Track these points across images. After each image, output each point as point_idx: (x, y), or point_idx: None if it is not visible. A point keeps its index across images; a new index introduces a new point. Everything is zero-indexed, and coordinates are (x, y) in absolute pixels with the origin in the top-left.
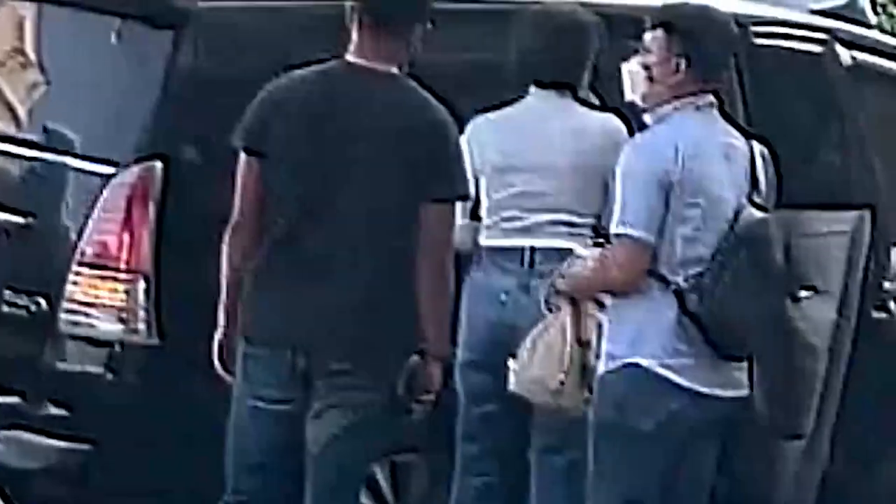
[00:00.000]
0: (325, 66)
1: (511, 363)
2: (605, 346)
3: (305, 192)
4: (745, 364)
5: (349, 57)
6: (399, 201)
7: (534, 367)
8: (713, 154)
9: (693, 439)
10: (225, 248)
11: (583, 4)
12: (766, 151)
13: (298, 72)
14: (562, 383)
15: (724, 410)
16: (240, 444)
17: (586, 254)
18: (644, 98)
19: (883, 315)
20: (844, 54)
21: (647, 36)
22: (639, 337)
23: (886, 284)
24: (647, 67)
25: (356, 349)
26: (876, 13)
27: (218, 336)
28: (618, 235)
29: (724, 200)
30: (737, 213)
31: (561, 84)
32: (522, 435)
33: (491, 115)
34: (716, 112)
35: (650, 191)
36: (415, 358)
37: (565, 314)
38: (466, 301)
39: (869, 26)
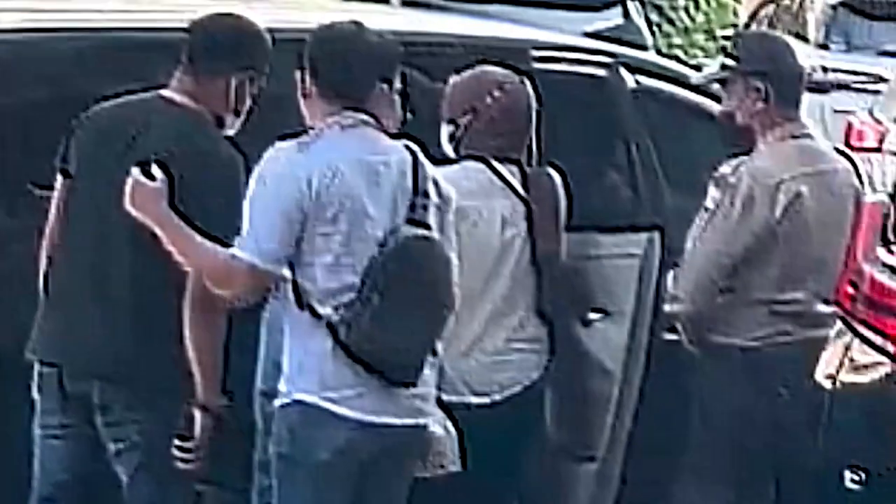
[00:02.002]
0: (141, 97)
1: None
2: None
3: (79, 212)
4: (425, 390)
5: (164, 91)
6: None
7: None
8: (355, 175)
9: (370, 470)
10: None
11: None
12: (555, 175)
13: (120, 99)
14: None
15: (401, 439)
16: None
17: None
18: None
19: (674, 337)
20: (628, 78)
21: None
22: (299, 372)
23: (666, 307)
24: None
25: (117, 376)
26: (651, 33)
27: None
28: (234, 257)
29: (371, 223)
30: (392, 234)
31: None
32: None
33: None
34: (367, 129)
35: (281, 219)
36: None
37: None
38: (264, 329)
39: (645, 47)
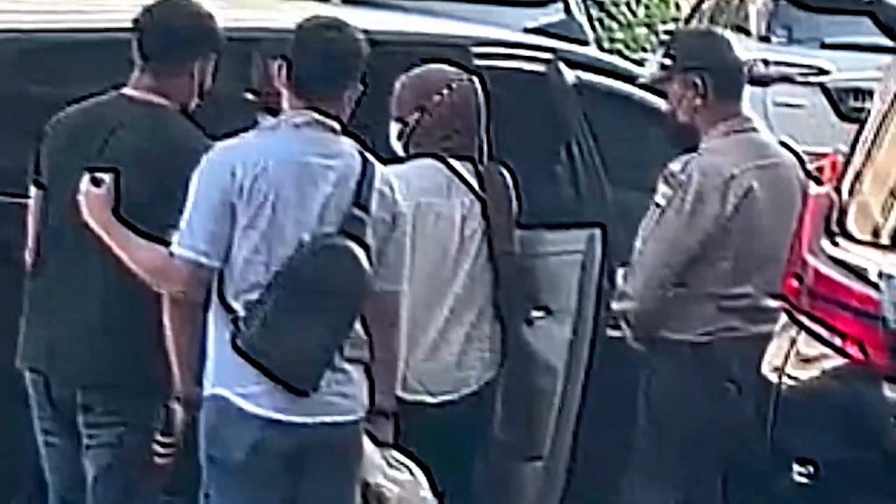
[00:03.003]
0: (101, 98)
1: None
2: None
3: (55, 221)
4: (341, 387)
5: (126, 90)
6: (146, 226)
7: None
8: (286, 174)
9: (301, 470)
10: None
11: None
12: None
13: (80, 104)
14: None
15: (319, 437)
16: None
17: None
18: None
19: (616, 333)
20: (568, 73)
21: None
22: (217, 366)
23: (614, 305)
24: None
25: (96, 382)
26: (593, 28)
27: None
28: (171, 253)
29: (295, 224)
30: (313, 239)
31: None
32: None
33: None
34: (320, 130)
35: (215, 211)
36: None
37: None
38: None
39: (586, 43)
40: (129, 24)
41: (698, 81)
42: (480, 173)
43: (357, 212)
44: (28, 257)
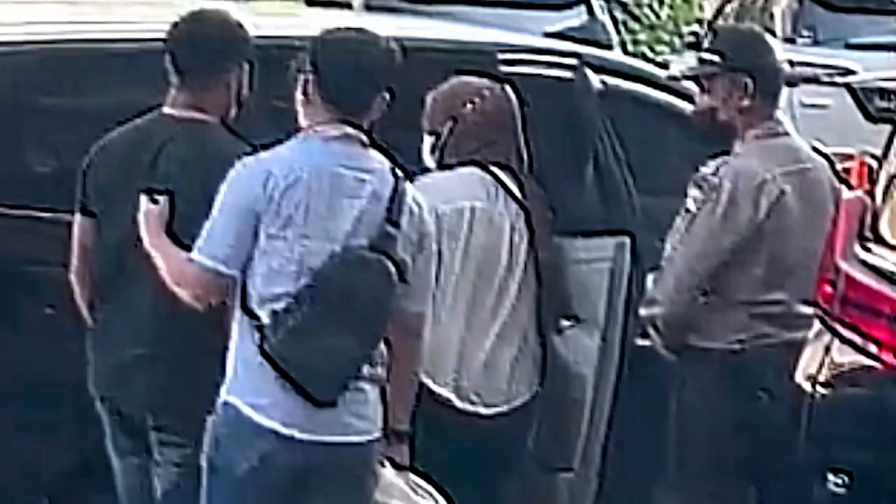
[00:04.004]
0: (142, 119)
1: None
2: None
3: (112, 242)
4: (358, 407)
5: (165, 108)
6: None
7: None
8: (319, 185)
9: (308, 487)
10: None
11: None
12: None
13: (122, 128)
14: None
15: (329, 457)
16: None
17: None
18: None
19: (645, 342)
20: (593, 78)
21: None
22: (234, 374)
23: (642, 310)
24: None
25: (163, 405)
26: (616, 30)
27: None
28: (191, 260)
29: (326, 236)
30: (344, 250)
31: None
32: None
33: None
34: (355, 145)
35: (238, 219)
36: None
37: None
38: None
39: (610, 45)
40: (148, 35)
41: (748, 81)
42: (521, 182)
43: (389, 228)
44: (73, 278)
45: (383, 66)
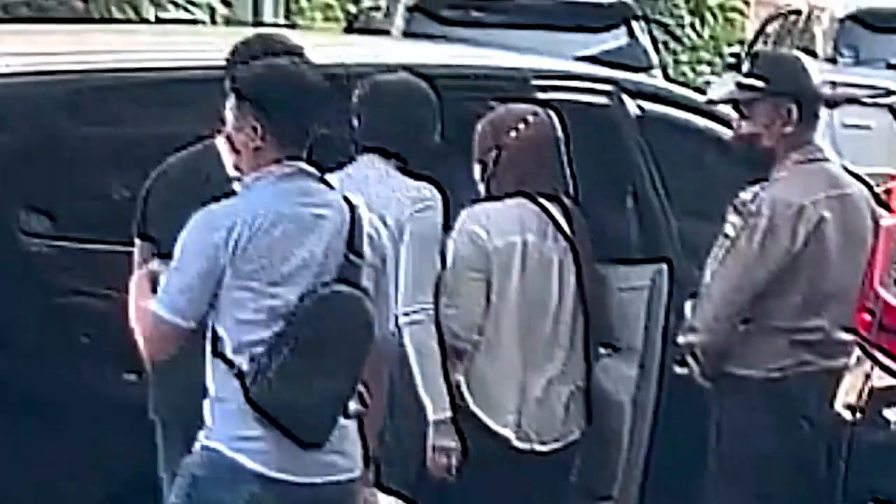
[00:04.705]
0: (202, 145)
1: None
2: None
3: None
4: (342, 444)
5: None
6: None
7: None
8: (284, 227)
9: None
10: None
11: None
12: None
13: (178, 155)
14: None
15: (313, 497)
16: None
17: None
18: (236, 168)
19: (683, 370)
20: (631, 104)
21: (227, 104)
22: (214, 419)
23: (681, 338)
24: (228, 137)
25: None
26: (657, 51)
27: None
28: (148, 311)
29: (296, 276)
30: (316, 288)
31: (383, 150)
32: None
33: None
34: (307, 180)
35: (200, 271)
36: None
37: None
38: None
39: (651, 67)
40: (180, 64)
41: (792, 107)
42: (569, 215)
43: (353, 258)
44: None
45: (323, 91)
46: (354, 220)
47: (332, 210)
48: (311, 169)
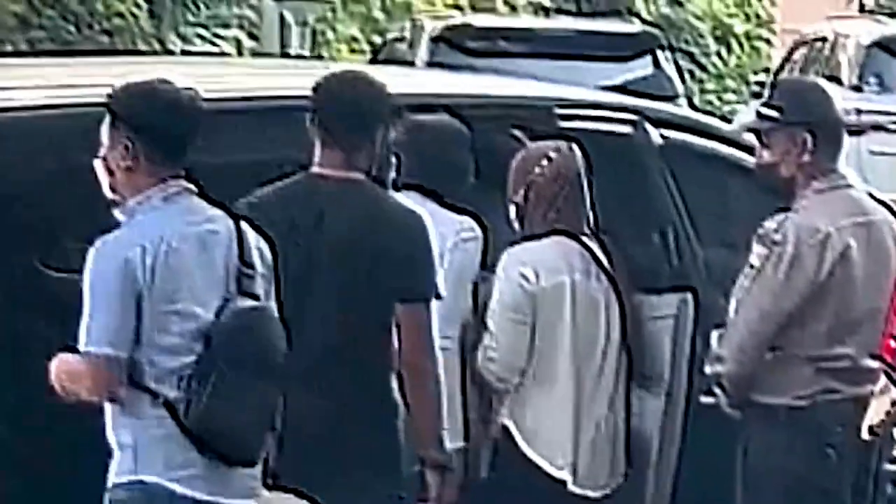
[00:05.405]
0: (292, 179)
1: None
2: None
3: (277, 304)
4: (257, 469)
5: (314, 168)
6: (371, 305)
7: None
8: (186, 247)
9: None
10: None
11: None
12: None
13: (269, 186)
14: None
15: None
16: None
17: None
18: (112, 190)
19: (710, 400)
20: (654, 133)
21: (103, 125)
22: (142, 453)
23: (708, 368)
24: (104, 158)
25: (332, 464)
26: (683, 80)
27: None
28: (80, 357)
29: (205, 296)
30: (225, 306)
31: (421, 188)
32: None
33: None
34: (192, 198)
35: (117, 302)
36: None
37: None
38: None
39: (676, 96)
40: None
41: (807, 137)
42: (608, 249)
43: (246, 270)
44: None
45: (196, 111)
46: (240, 232)
47: (220, 225)
48: (193, 187)
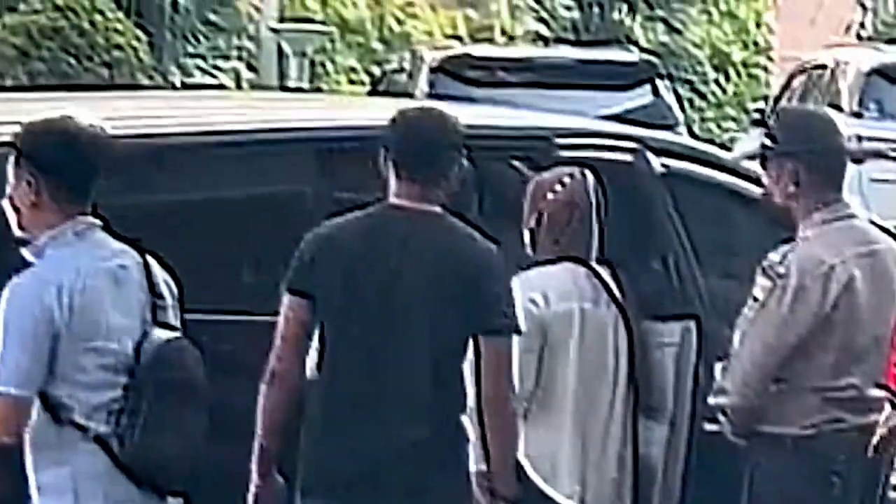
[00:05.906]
0: (369, 210)
1: None
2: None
3: (357, 336)
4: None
5: (392, 199)
6: (452, 339)
7: None
8: (100, 283)
9: None
10: (262, 401)
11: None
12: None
13: (345, 216)
14: None
15: None
16: None
17: None
18: (20, 228)
19: (714, 427)
20: (655, 162)
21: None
22: (79, 489)
23: (711, 400)
24: (10, 196)
25: (421, 494)
26: (682, 109)
27: (254, 490)
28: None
29: (123, 330)
30: (143, 340)
31: None
32: None
33: None
34: (99, 233)
35: (31, 342)
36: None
37: None
38: None
39: (676, 125)
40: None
41: (792, 168)
42: (617, 276)
43: (157, 301)
44: (276, 364)
45: (100, 145)
46: (147, 265)
47: (127, 258)
48: (99, 222)
